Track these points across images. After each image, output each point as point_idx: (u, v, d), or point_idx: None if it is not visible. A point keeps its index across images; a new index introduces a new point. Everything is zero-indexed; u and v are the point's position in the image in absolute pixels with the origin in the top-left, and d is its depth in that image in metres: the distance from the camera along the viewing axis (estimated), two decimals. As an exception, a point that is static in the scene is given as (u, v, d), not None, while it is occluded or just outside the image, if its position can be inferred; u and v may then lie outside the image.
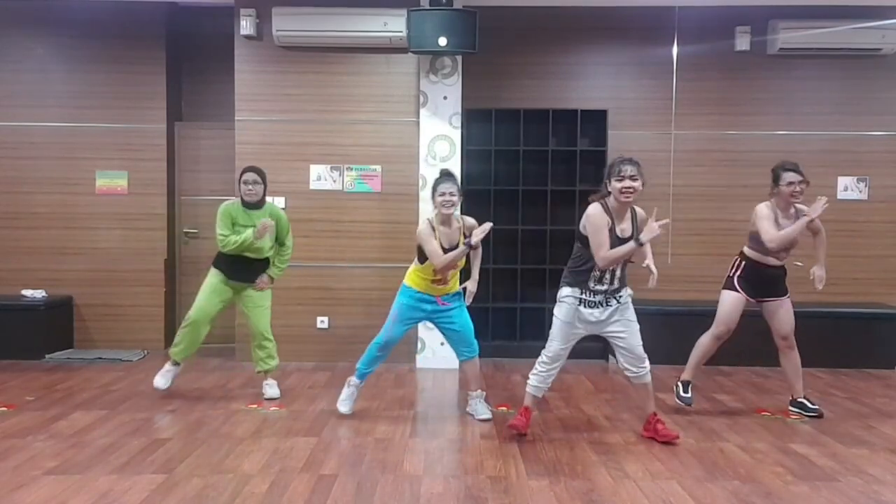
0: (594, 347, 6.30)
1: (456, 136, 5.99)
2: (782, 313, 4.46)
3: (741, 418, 4.52)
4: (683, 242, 6.53)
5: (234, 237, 4.64)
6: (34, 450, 3.77)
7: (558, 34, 6.47)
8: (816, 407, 4.51)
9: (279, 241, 4.94)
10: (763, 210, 4.38)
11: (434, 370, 5.91)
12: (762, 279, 4.47)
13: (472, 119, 6.37)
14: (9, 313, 6.03)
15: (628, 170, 3.76)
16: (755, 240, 4.42)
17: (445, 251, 4.22)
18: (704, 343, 4.61)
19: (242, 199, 4.75)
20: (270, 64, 6.05)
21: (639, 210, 3.97)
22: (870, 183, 6.49)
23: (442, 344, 6.01)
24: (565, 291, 3.98)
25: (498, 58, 6.38)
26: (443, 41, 5.51)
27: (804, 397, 4.56)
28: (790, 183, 4.29)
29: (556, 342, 3.97)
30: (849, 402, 4.94)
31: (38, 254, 6.40)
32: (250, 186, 4.72)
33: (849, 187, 6.49)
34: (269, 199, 4.91)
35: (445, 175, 4.35)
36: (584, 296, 3.92)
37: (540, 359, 4.03)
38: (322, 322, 6.12)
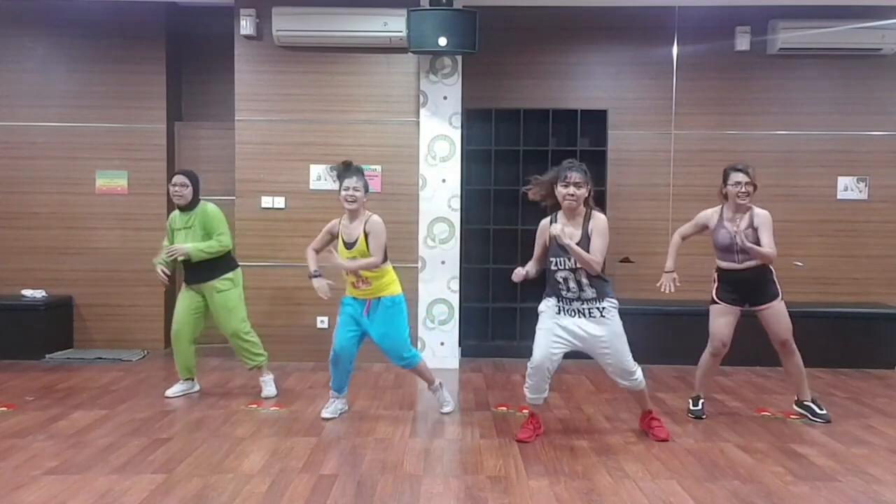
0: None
1: (456, 136, 5.99)
2: (773, 319, 4.35)
3: (741, 418, 4.52)
4: (683, 242, 6.51)
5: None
6: (34, 450, 3.77)
7: (558, 34, 6.47)
8: (825, 412, 4.41)
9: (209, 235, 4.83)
10: (702, 213, 4.50)
11: (434, 370, 5.86)
12: (737, 285, 4.37)
13: (472, 119, 6.37)
14: (9, 313, 6.03)
15: (573, 176, 3.79)
16: (715, 246, 4.43)
17: (346, 245, 4.34)
18: (703, 361, 4.56)
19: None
20: (270, 64, 6.05)
21: (598, 219, 3.85)
22: (870, 183, 6.49)
23: (442, 344, 6.04)
24: (542, 304, 3.99)
25: (498, 58, 6.38)
26: (443, 41, 5.51)
27: (812, 401, 4.47)
28: (736, 183, 4.28)
29: (537, 350, 3.92)
30: (849, 402, 4.94)
31: (38, 254, 6.40)
32: (177, 188, 4.76)
33: (849, 187, 6.49)
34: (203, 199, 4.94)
35: (348, 167, 4.34)
36: (560, 304, 3.90)
37: (527, 369, 3.98)
38: (322, 322, 6.11)
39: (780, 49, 6.29)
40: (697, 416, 4.51)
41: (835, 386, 5.42)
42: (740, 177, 4.28)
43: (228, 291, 4.83)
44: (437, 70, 5.95)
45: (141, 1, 6.28)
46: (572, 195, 3.79)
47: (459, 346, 6.17)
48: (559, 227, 3.79)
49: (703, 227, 4.48)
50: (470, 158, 6.35)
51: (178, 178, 4.80)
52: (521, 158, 6.33)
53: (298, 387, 5.25)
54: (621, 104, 6.43)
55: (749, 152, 6.45)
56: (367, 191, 4.45)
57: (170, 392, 4.92)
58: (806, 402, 4.48)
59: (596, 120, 6.32)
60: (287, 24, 5.86)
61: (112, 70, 6.36)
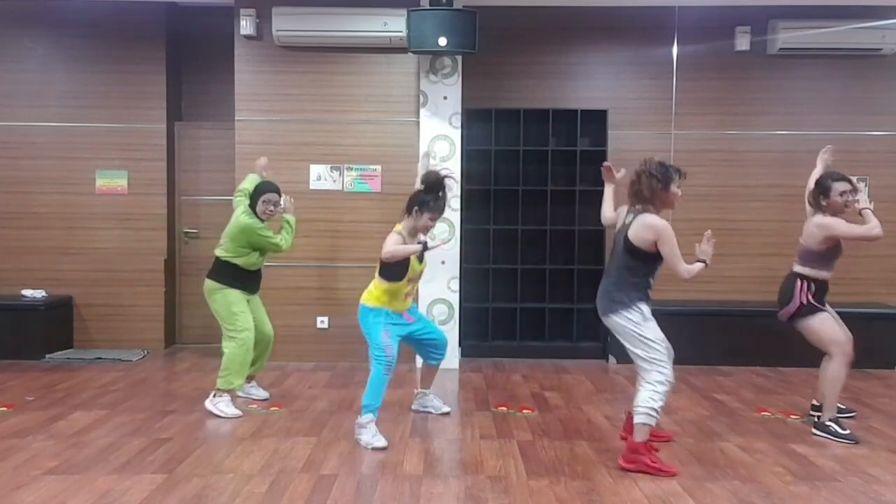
0: (594, 347, 6.31)
1: (456, 136, 5.99)
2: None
3: (741, 418, 4.51)
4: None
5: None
6: (34, 450, 3.77)
7: (558, 34, 6.47)
8: (847, 432, 4.06)
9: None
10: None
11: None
12: (824, 294, 4.27)
13: (472, 119, 6.37)
14: (9, 313, 6.03)
15: (682, 179, 3.67)
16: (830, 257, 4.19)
17: (419, 259, 4.16)
18: (839, 372, 4.12)
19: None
20: (270, 64, 6.05)
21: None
22: (870, 183, 6.48)
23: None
24: (645, 310, 3.62)
25: (498, 58, 6.38)
26: (443, 41, 5.51)
27: (833, 420, 4.12)
28: (842, 193, 4.12)
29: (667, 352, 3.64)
30: (849, 402, 4.93)
31: (38, 254, 6.40)
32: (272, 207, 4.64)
33: (849, 187, 6.48)
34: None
35: (439, 191, 4.02)
36: (649, 304, 3.70)
37: (658, 384, 3.53)
38: (322, 322, 6.11)
39: (780, 49, 6.29)
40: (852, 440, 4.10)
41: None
42: (844, 185, 4.13)
43: (211, 298, 4.65)
44: (437, 70, 5.95)
45: (141, 1, 6.28)
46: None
47: (459, 346, 6.17)
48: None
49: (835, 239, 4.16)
50: (470, 158, 6.35)
51: (274, 197, 4.65)
52: (521, 158, 6.33)
53: (298, 387, 5.25)
54: (621, 104, 6.43)
55: (749, 152, 6.46)
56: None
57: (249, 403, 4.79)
58: (826, 423, 4.14)
59: (596, 120, 6.32)
60: (287, 24, 5.86)
61: (112, 70, 6.36)
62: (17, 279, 6.33)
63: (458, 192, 6.02)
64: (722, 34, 6.39)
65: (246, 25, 5.93)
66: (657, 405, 3.50)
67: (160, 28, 6.37)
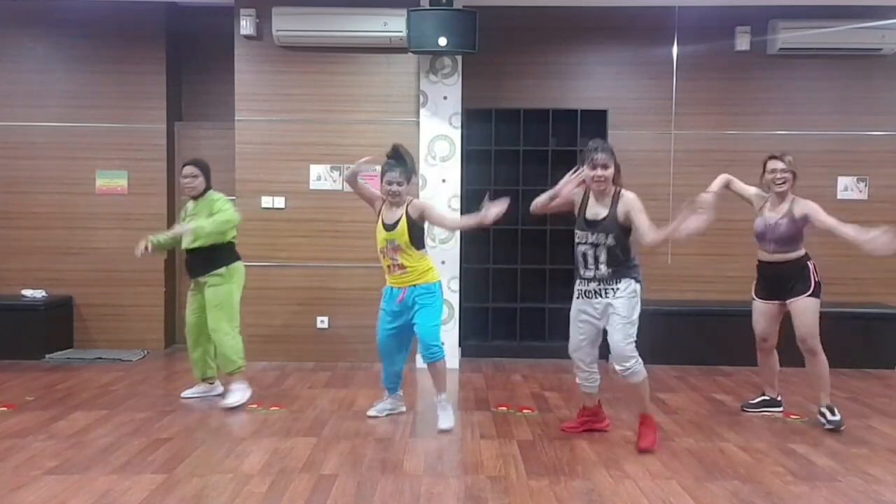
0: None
1: (456, 136, 5.99)
2: (796, 314, 4.30)
3: (741, 418, 4.52)
4: (683, 242, 6.52)
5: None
6: (34, 450, 3.77)
7: (558, 34, 6.46)
8: (836, 419, 4.23)
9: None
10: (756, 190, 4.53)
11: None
12: (768, 279, 4.42)
13: (472, 119, 6.37)
14: (9, 313, 6.03)
15: (600, 157, 3.78)
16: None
17: (386, 227, 4.24)
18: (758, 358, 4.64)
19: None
20: (270, 64, 6.04)
21: (627, 198, 3.82)
22: (870, 183, 6.49)
23: (442, 344, 6.02)
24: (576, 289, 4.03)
25: (498, 58, 6.38)
26: (443, 41, 5.51)
27: (826, 406, 4.29)
28: (773, 171, 4.31)
29: (570, 339, 4.05)
30: (849, 402, 4.94)
31: (38, 254, 6.40)
32: (187, 180, 4.67)
33: (849, 187, 6.49)
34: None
35: (396, 156, 4.31)
36: (580, 286, 3.93)
37: None
38: (322, 322, 6.11)
39: (780, 49, 6.29)
40: (743, 409, 4.69)
41: (835, 386, 5.36)
42: (775, 164, 4.28)
43: (218, 287, 4.64)
44: (437, 70, 5.95)
45: (141, 1, 6.28)
46: (600, 177, 3.79)
47: (459, 346, 6.17)
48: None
49: (746, 200, 4.53)
50: (470, 158, 6.35)
51: (186, 170, 4.67)
52: (521, 158, 6.33)
53: (298, 387, 5.25)
54: (621, 104, 6.43)
55: (749, 152, 6.44)
56: (409, 181, 4.30)
57: (186, 393, 4.87)
58: (821, 408, 4.32)
59: (596, 120, 6.31)
60: (287, 24, 5.86)
61: (112, 70, 6.36)
62: (17, 279, 6.34)
63: (459, 192, 6.03)
64: (722, 34, 6.39)
65: (246, 25, 5.93)
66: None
67: (160, 28, 6.37)
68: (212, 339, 4.69)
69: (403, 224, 4.19)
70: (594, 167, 3.79)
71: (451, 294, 6.02)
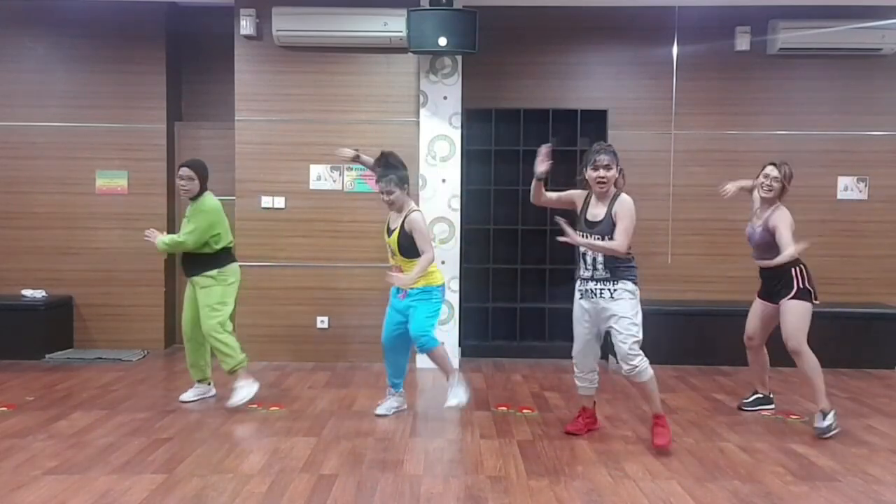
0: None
1: (456, 136, 5.99)
2: (782, 318, 4.32)
3: (741, 418, 4.52)
4: (683, 242, 6.54)
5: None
6: (34, 450, 3.77)
7: (558, 34, 6.47)
8: (825, 426, 4.15)
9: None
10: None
11: (434, 370, 5.87)
12: (761, 279, 4.53)
13: (472, 119, 6.37)
14: (9, 313, 6.03)
15: (602, 159, 3.82)
16: None
17: (388, 232, 4.48)
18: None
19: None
20: (270, 64, 6.04)
21: (621, 199, 3.88)
22: (870, 183, 6.49)
23: (442, 344, 6.02)
24: (578, 289, 4.06)
25: (498, 58, 6.38)
26: (443, 41, 5.51)
27: (820, 411, 4.21)
28: (765, 175, 4.31)
29: (574, 341, 4.08)
30: (849, 402, 4.94)
31: (38, 254, 6.40)
32: (183, 182, 4.64)
33: (849, 187, 6.49)
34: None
35: (384, 163, 4.49)
36: (580, 287, 3.97)
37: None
38: (322, 322, 6.11)
39: (780, 49, 6.29)
40: (740, 408, 4.71)
41: (835, 386, 5.41)
42: (769, 170, 4.30)
43: (210, 288, 4.61)
44: (437, 70, 5.95)
45: (141, 1, 6.28)
46: (602, 178, 3.83)
47: (459, 346, 6.17)
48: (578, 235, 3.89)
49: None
50: (470, 158, 6.35)
51: (183, 171, 4.62)
52: (521, 158, 6.32)
53: (298, 387, 5.25)
54: (621, 104, 6.43)
55: (749, 152, 6.45)
56: (402, 187, 4.41)
57: (184, 396, 4.79)
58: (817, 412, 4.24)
59: (596, 120, 6.32)
60: (287, 24, 5.86)
61: (112, 70, 6.36)
62: (17, 279, 6.33)
63: (459, 192, 6.03)
64: (722, 34, 6.39)
65: (246, 25, 5.93)
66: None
67: (160, 28, 6.37)
68: (201, 339, 4.72)
69: (396, 234, 4.36)
70: (596, 168, 3.83)
71: (451, 294, 6.02)
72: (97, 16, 6.31)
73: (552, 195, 4.07)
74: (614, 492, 3.28)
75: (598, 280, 3.88)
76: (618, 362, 3.96)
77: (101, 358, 6.07)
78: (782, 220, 4.19)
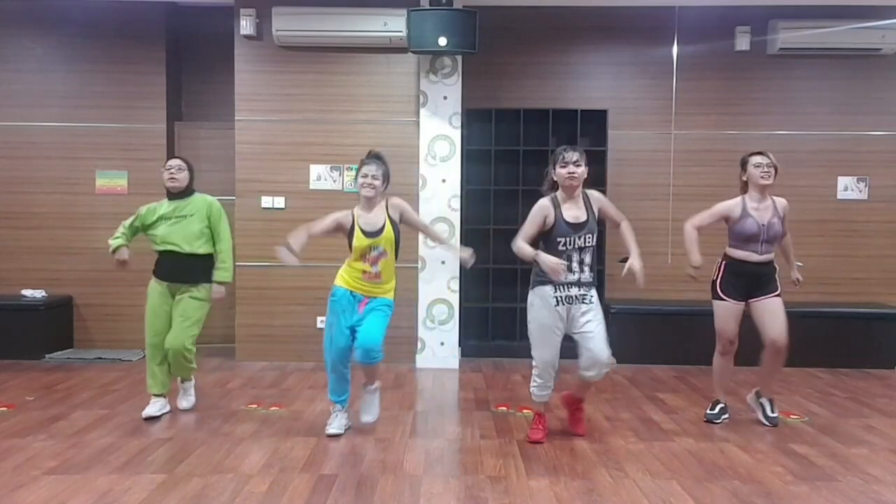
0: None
1: (456, 136, 5.99)
2: (775, 312, 4.23)
3: (741, 418, 4.51)
4: (683, 242, 6.51)
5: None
6: (34, 450, 3.77)
7: (558, 34, 6.47)
8: (775, 416, 4.35)
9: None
10: (721, 204, 4.41)
11: (434, 370, 5.90)
12: (746, 277, 4.27)
13: (472, 119, 6.37)
14: (9, 313, 6.04)
15: (571, 156, 3.85)
16: (737, 237, 4.30)
17: (367, 234, 4.00)
18: (715, 363, 4.49)
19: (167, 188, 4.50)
20: (270, 64, 6.05)
21: (596, 195, 3.99)
22: (870, 183, 6.49)
23: (442, 344, 6.04)
24: (533, 294, 3.96)
25: (498, 58, 6.38)
26: (443, 41, 5.51)
27: (769, 400, 4.40)
28: (758, 165, 4.27)
29: (544, 350, 3.99)
30: (849, 402, 4.94)
31: (38, 254, 6.40)
32: (174, 171, 4.47)
33: (849, 187, 6.49)
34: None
35: (371, 155, 4.15)
36: (557, 293, 3.89)
37: (533, 367, 4.03)
38: (322, 322, 6.09)
39: (780, 49, 6.29)
40: (710, 421, 4.40)
41: (835, 386, 5.42)
42: (760, 158, 4.28)
43: (203, 302, 4.40)
44: (437, 70, 5.95)
45: (141, 1, 6.28)
46: (573, 173, 3.83)
47: (459, 346, 6.17)
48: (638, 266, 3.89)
49: (723, 219, 4.33)
50: (470, 158, 6.35)
51: (174, 162, 4.49)
52: (521, 158, 6.33)
53: (298, 387, 5.25)
54: (621, 104, 6.43)
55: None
56: (387, 181, 4.10)
57: (148, 411, 4.36)
58: (762, 399, 4.42)
59: (596, 120, 6.32)
60: (287, 24, 5.86)
61: (112, 70, 6.36)
62: (17, 279, 6.34)
63: (459, 192, 6.03)
64: (722, 34, 6.39)
65: (246, 25, 5.93)
66: (532, 387, 4.03)
67: (160, 28, 6.37)
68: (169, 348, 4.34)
69: (389, 228, 4.00)
70: (566, 165, 3.84)
71: (451, 294, 6.02)
72: (97, 16, 6.31)
73: (532, 236, 3.99)
74: (614, 492, 3.28)
75: (583, 284, 3.88)
76: (583, 367, 3.96)
77: (101, 358, 6.07)
78: (787, 204, 4.32)
